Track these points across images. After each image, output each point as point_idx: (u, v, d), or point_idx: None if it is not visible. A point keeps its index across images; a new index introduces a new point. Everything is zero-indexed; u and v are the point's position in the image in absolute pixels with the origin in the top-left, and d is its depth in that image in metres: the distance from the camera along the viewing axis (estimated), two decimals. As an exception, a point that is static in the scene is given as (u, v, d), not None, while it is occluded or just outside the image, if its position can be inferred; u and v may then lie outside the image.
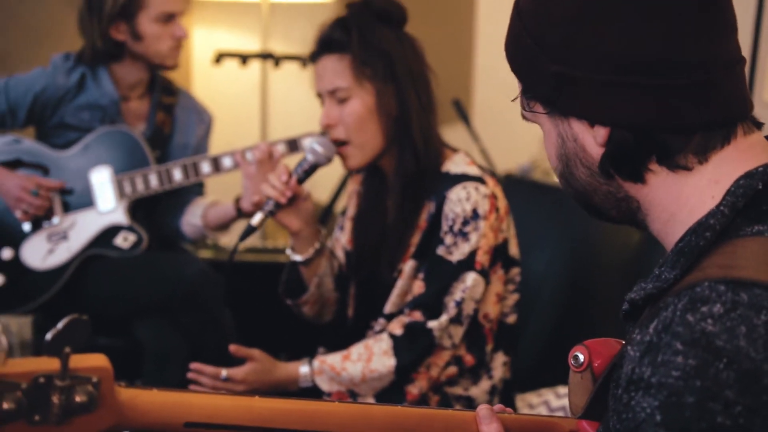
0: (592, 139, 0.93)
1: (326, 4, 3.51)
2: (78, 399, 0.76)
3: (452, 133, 3.60)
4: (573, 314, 2.28)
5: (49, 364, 0.75)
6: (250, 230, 1.74)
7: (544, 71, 0.93)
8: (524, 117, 1.02)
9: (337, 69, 1.72)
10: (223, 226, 2.44)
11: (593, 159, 0.94)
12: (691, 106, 0.88)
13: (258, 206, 1.78)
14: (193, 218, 2.47)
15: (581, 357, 1.04)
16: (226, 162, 2.37)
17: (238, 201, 2.30)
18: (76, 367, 0.76)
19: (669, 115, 0.88)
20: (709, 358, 0.76)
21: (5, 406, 0.72)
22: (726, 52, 0.90)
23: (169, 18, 2.36)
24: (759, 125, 0.93)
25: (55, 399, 0.75)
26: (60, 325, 0.72)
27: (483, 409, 1.06)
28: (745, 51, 3.11)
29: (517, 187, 2.57)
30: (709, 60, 0.88)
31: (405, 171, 1.74)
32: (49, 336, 0.72)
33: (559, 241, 2.29)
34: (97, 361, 0.78)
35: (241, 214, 2.32)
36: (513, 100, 1.01)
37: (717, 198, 0.88)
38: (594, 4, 0.89)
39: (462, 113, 3.63)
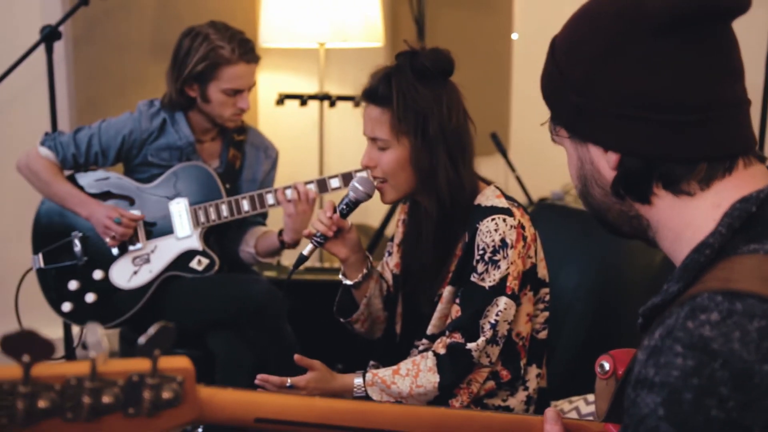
0: (605, 163, 0.96)
1: (377, 49, 3.54)
2: (165, 395, 0.78)
3: (491, 164, 3.62)
4: (601, 328, 2.25)
5: (142, 364, 0.77)
6: (302, 259, 1.79)
7: (567, 101, 0.97)
8: (553, 139, 1.05)
9: (379, 120, 1.72)
10: (271, 254, 2.50)
11: (606, 181, 0.97)
12: (694, 140, 0.90)
13: (309, 238, 1.82)
14: (247, 246, 2.53)
15: (606, 365, 1.05)
16: (288, 193, 2.42)
17: (281, 234, 2.37)
18: (163, 368, 0.78)
19: (674, 147, 0.90)
20: (706, 359, 0.77)
21: (105, 400, 0.74)
22: (730, 94, 0.91)
23: (236, 92, 2.41)
24: (762, 159, 0.94)
25: (146, 395, 0.76)
26: (151, 330, 0.74)
27: (550, 411, 1.07)
28: (757, 90, 3.05)
29: (550, 212, 2.56)
30: (713, 101, 0.90)
31: (433, 215, 1.75)
32: (142, 340, 0.74)
33: (588, 261, 2.27)
34: (182, 362, 0.80)
35: (284, 245, 2.39)
36: (543, 124, 1.05)
37: (718, 221, 0.89)
38: (613, 49, 0.92)
39: (499, 146, 3.64)
